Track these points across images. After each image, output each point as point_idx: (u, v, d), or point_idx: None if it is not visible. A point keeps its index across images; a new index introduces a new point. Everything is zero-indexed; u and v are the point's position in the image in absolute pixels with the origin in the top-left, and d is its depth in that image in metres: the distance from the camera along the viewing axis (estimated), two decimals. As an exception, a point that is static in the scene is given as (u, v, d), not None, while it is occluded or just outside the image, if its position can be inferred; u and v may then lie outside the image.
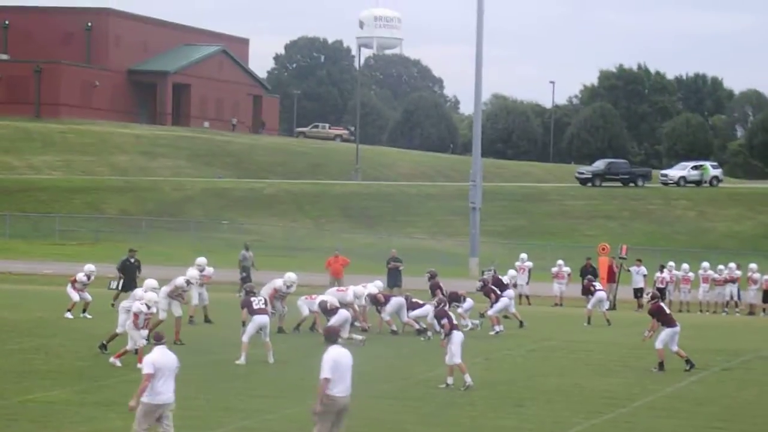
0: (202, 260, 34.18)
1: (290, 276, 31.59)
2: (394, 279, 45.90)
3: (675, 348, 27.07)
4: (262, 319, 26.14)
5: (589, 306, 37.83)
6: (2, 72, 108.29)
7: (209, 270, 34.23)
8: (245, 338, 25.91)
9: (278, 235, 71.23)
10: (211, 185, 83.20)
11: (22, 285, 44.84)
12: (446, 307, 25.13)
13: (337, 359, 15.77)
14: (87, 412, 19.71)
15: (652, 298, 28.07)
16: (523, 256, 47.20)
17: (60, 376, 23.07)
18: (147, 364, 16.19)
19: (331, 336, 16.16)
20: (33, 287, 43.87)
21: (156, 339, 16.85)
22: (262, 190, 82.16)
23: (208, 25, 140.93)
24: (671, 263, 46.97)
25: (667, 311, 27.97)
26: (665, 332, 27.14)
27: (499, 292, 34.15)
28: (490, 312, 33.89)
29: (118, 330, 26.10)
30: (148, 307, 25.41)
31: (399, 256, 47.17)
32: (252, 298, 26.66)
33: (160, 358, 16.24)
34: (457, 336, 23.47)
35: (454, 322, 24.09)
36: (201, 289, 33.61)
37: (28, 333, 29.58)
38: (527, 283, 46.42)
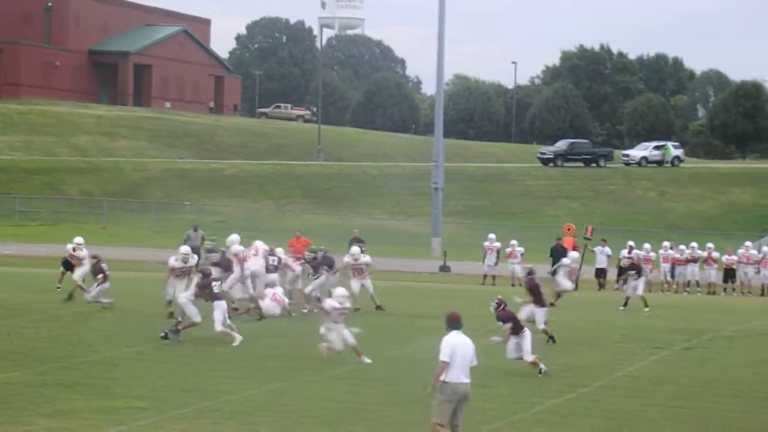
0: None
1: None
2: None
3: (542, 326, 27.16)
4: (222, 305, 26.03)
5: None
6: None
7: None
8: (219, 327, 25.77)
9: (240, 216, 71.10)
10: (172, 166, 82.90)
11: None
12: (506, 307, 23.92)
13: (456, 344, 15.58)
14: (49, 393, 19.62)
15: (528, 273, 28.04)
16: (492, 236, 47.28)
17: (22, 357, 22.93)
18: None
19: (453, 322, 15.90)
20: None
21: None
22: (224, 171, 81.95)
23: (170, 5, 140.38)
24: (630, 243, 47.07)
25: (542, 291, 27.80)
26: (540, 311, 27.30)
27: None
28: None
29: (196, 319, 26.18)
30: (185, 262, 28.66)
31: (362, 237, 47.18)
32: (213, 283, 26.50)
33: None
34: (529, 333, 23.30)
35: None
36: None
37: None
38: (496, 264, 46.57)
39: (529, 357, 22.80)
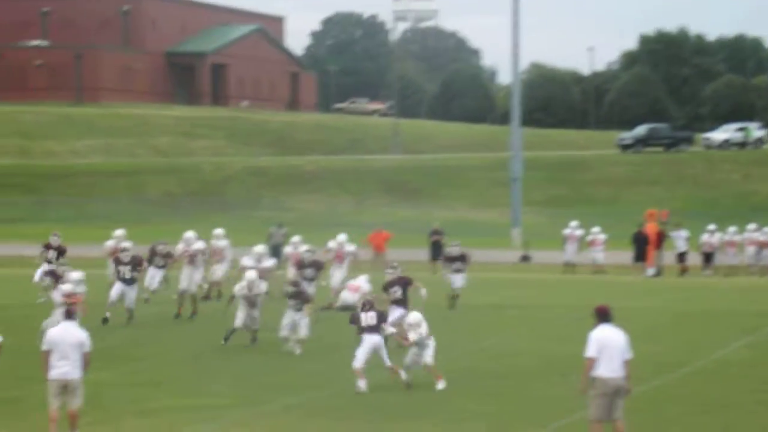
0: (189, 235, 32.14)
1: (250, 275, 25.60)
2: (437, 252, 45.88)
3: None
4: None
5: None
6: (43, 58, 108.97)
7: (200, 244, 32.25)
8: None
9: (319, 212, 71.30)
10: (251, 164, 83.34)
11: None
12: None
13: (603, 338, 15.31)
14: (136, 393, 19.78)
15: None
16: (573, 223, 46.90)
17: (108, 358, 23.09)
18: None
19: (602, 315, 15.60)
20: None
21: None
22: (302, 168, 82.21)
23: (244, 4, 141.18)
24: (711, 226, 46.49)
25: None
26: None
27: None
28: None
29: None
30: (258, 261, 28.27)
31: (441, 229, 47.10)
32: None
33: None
34: None
35: None
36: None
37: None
38: (578, 251, 46.25)
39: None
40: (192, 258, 30.75)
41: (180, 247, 31.37)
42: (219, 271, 33.72)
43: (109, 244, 33.48)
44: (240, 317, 24.96)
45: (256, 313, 25.08)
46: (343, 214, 70.78)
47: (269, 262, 29.64)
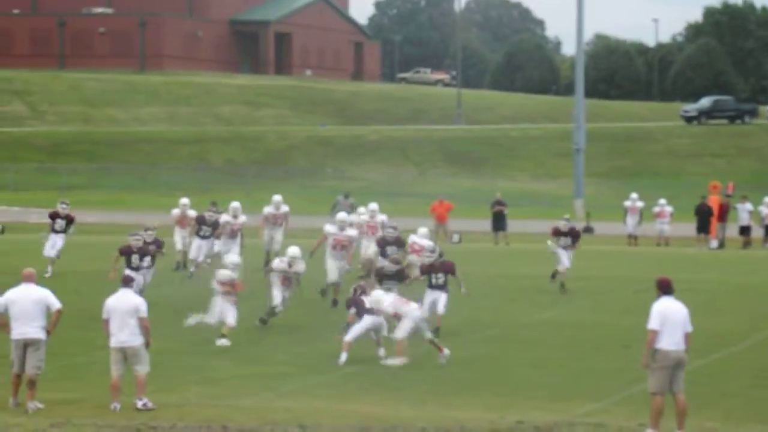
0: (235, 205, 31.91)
1: (292, 250, 23.71)
2: (499, 223, 45.91)
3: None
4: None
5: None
6: (107, 26, 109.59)
7: (285, 208, 32.63)
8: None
9: (382, 181, 71.45)
10: (314, 134, 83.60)
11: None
12: None
13: (665, 311, 15.40)
14: (198, 361, 20.04)
15: (440, 255, 23.48)
16: (634, 195, 46.66)
17: (173, 326, 23.37)
18: None
19: (664, 287, 15.64)
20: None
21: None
22: (366, 137, 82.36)
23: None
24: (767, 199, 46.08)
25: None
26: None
27: None
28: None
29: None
30: (341, 230, 26.82)
31: (504, 199, 47.02)
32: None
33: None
34: None
35: None
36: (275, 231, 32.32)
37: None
38: (639, 223, 46.05)
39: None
40: (234, 232, 30.62)
41: (224, 218, 31.04)
42: (278, 235, 32.75)
43: (175, 212, 33.49)
44: (277, 295, 23.35)
45: (287, 293, 23.47)
46: (405, 184, 70.92)
47: (352, 232, 27.64)
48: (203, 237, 31.54)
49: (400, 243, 26.75)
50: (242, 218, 30.79)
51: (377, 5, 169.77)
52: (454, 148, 79.98)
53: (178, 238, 32.88)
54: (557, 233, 30.48)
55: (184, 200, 34.07)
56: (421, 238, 27.26)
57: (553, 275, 30.28)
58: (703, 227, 45.31)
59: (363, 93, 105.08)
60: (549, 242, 30.88)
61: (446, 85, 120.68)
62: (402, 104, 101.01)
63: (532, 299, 28.37)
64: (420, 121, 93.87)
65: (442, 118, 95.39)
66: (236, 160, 76.94)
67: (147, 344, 16.76)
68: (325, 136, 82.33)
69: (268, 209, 32.94)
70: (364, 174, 73.16)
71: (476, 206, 53.73)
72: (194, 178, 71.83)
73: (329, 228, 27.25)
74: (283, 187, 68.46)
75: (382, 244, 26.71)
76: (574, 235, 30.53)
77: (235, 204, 31.09)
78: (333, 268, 26.45)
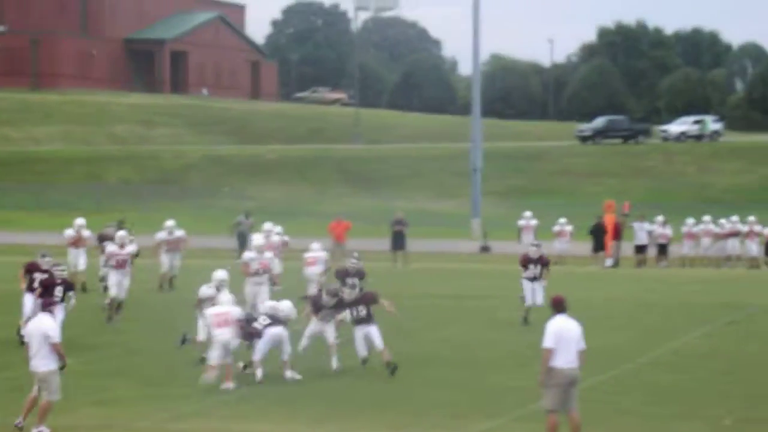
0: (170, 223, 33.78)
1: (220, 274, 22.16)
2: (398, 242, 45.96)
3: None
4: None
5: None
6: (0, 44, 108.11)
7: (179, 233, 33.85)
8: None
9: (280, 200, 71.20)
10: (210, 153, 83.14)
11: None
12: None
13: (560, 329, 15.44)
14: (94, 382, 19.77)
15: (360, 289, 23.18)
16: (527, 213, 47.13)
17: (67, 346, 22.99)
18: None
19: (558, 306, 15.78)
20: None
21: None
22: (263, 156, 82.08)
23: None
24: (660, 218, 46.81)
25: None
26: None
27: None
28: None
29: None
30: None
31: (405, 219, 46.97)
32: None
33: None
34: None
35: None
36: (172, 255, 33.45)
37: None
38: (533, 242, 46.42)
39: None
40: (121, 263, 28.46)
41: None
42: (175, 261, 33.76)
43: (69, 233, 33.37)
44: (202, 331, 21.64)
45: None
46: (303, 203, 70.76)
47: (269, 254, 27.12)
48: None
49: (361, 274, 25.40)
50: (130, 248, 28.49)
51: (274, 24, 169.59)
52: (353, 167, 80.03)
53: (71, 257, 32.72)
54: (526, 262, 27.46)
55: (80, 221, 33.82)
56: (316, 251, 28.17)
57: (525, 319, 26.80)
58: (599, 246, 45.95)
59: (260, 112, 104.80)
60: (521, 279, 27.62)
61: (344, 104, 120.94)
62: (299, 123, 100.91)
63: (431, 318, 28.43)
64: (318, 141, 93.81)
65: (340, 137, 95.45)
66: (131, 179, 76.22)
67: (62, 367, 16.55)
68: (222, 155, 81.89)
69: (161, 235, 33.31)
70: (261, 193, 72.86)
71: (374, 226, 53.78)
72: (89, 197, 71.00)
73: (248, 255, 26.76)
74: (179, 207, 68.02)
75: (343, 274, 25.07)
76: (543, 262, 27.54)
77: (121, 232, 29.20)
78: (250, 294, 26.10)
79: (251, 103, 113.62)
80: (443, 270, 38.13)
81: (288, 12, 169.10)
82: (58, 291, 22.90)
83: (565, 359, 15.43)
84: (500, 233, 54.25)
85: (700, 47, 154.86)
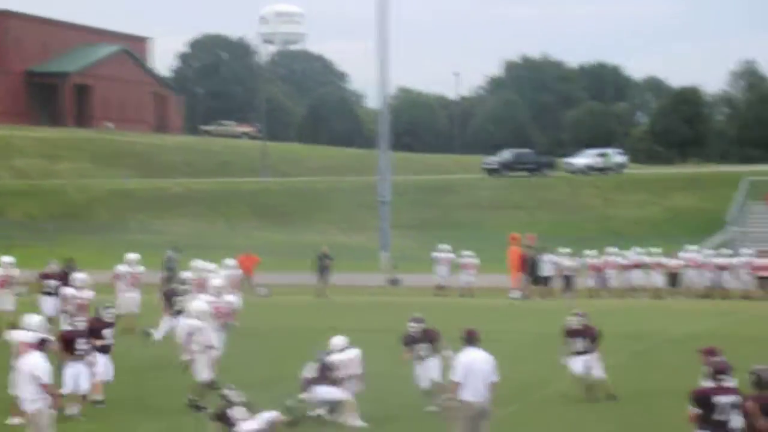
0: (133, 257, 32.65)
1: (198, 305, 22.38)
2: (323, 276, 46.39)
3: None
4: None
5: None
6: None
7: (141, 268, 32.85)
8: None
9: (188, 234, 70.76)
10: (116, 187, 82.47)
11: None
12: None
13: (470, 362, 15.42)
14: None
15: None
16: (444, 246, 47.49)
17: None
18: None
19: (470, 338, 15.75)
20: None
21: None
22: (169, 190, 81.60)
23: (109, 24, 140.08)
24: (566, 250, 47.41)
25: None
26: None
27: None
28: None
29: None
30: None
31: (329, 253, 47.28)
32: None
33: None
34: None
35: None
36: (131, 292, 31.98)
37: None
38: (450, 274, 46.86)
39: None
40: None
41: None
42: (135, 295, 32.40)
43: None
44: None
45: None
46: (213, 237, 70.38)
47: (231, 297, 26.26)
48: (49, 294, 30.14)
49: (432, 337, 22.37)
50: (87, 293, 27.65)
51: (180, 58, 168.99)
52: (262, 200, 79.85)
53: None
54: (572, 334, 22.56)
55: (7, 258, 32.14)
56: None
57: (589, 394, 22.28)
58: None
59: (166, 145, 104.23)
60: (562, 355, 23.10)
61: (251, 137, 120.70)
62: (206, 157, 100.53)
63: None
64: (226, 174, 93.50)
65: (248, 170, 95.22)
66: (35, 214, 75.29)
67: (54, 407, 16.11)
68: (128, 189, 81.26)
69: (123, 268, 32.20)
70: (169, 227, 72.39)
71: (285, 259, 53.71)
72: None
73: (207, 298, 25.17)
74: (85, 242, 67.39)
75: (410, 341, 22.38)
76: (591, 334, 22.55)
77: (81, 274, 28.32)
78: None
79: (157, 136, 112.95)
80: (350, 303, 38.07)
81: (194, 45, 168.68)
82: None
83: (474, 392, 15.46)
84: (410, 266, 54.47)
85: (604, 81, 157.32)
